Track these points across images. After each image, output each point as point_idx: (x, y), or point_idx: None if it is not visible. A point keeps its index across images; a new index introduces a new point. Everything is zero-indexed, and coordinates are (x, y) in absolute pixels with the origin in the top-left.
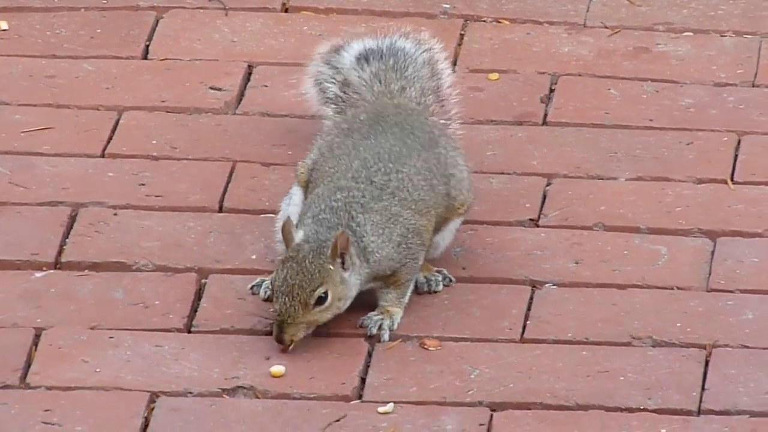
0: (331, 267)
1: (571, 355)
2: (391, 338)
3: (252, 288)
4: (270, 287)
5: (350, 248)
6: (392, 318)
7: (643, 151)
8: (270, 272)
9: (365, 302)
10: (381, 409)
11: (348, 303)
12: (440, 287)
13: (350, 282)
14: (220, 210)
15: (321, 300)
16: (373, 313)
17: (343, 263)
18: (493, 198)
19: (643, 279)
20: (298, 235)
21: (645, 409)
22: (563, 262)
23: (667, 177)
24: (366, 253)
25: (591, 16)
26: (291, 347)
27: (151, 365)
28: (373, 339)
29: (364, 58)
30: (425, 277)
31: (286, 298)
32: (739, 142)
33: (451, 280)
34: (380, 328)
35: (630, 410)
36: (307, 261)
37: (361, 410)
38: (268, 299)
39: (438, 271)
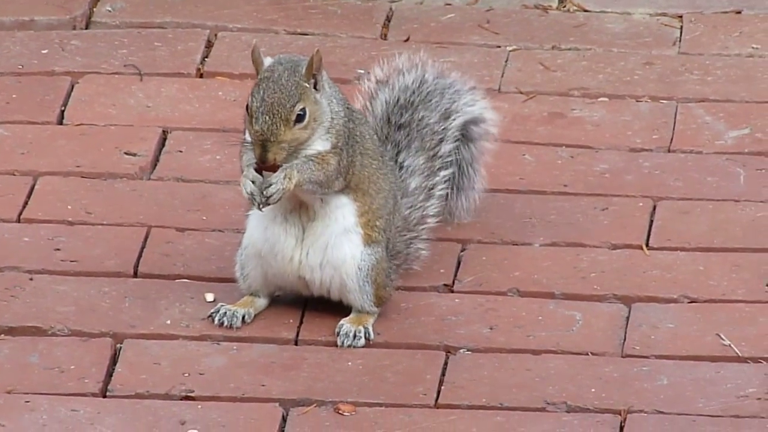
0: (307, 85)
1: (485, 421)
2: (305, 403)
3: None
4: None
5: (323, 72)
6: (365, 325)
7: (558, 216)
8: (185, 338)
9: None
10: None
11: (318, 132)
12: (361, 342)
13: (322, 104)
14: (135, 275)
15: (300, 117)
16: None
17: (315, 84)
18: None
19: (558, 344)
20: (267, 60)
21: None
22: (477, 328)
23: (582, 242)
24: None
25: (506, 81)
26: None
27: (67, 429)
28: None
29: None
30: (354, 329)
31: (267, 117)
32: (654, 208)
33: (369, 339)
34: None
35: None
36: (283, 79)
37: None
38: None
39: (365, 327)
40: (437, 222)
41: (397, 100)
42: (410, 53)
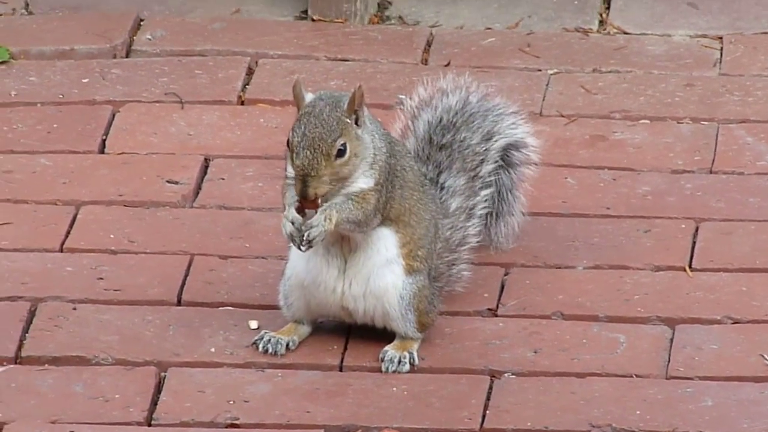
0: (348, 120)
1: None
2: (350, 429)
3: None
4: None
5: (364, 108)
6: (410, 351)
7: (601, 239)
8: (230, 365)
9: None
10: None
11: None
12: (406, 368)
13: (365, 140)
14: (179, 303)
15: (341, 152)
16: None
17: (357, 120)
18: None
19: (602, 367)
20: (308, 96)
21: None
22: (522, 352)
23: (625, 265)
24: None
25: (547, 105)
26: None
27: None
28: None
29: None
30: (399, 355)
31: (308, 152)
32: (696, 229)
33: (414, 364)
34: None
35: None
36: (324, 114)
37: None
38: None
39: (409, 352)
40: (478, 242)
41: (440, 120)
42: (454, 75)
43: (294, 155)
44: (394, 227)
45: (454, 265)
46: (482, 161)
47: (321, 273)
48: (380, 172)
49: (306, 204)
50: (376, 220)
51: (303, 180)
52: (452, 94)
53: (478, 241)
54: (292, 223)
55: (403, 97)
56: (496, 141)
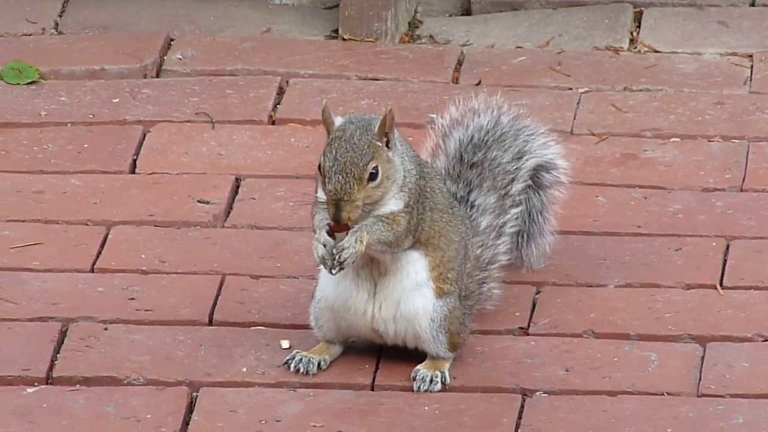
0: (379, 144)
1: None
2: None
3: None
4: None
5: (395, 130)
6: (442, 370)
7: (632, 257)
8: (261, 385)
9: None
10: None
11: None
12: (438, 387)
13: (395, 162)
14: (210, 323)
15: (373, 176)
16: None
17: (387, 142)
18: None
19: (634, 385)
20: (338, 120)
21: None
22: (553, 370)
23: (657, 283)
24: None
25: (578, 124)
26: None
27: None
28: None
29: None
30: (431, 374)
31: (340, 176)
32: (727, 247)
33: (446, 383)
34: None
35: None
36: (355, 138)
37: None
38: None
39: (441, 371)
40: (508, 260)
41: (471, 138)
42: (486, 95)
43: (326, 180)
44: (423, 250)
45: (484, 283)
46: (513, 180)
47: (351, 296)
48: (410, 194)
49: (337, 228)
50: (408, 242)
51: (336, 204)
52: (484, 113)
53: (508, 260)
54: (324, 246)
55: (435, 116)
56: (527, 160)
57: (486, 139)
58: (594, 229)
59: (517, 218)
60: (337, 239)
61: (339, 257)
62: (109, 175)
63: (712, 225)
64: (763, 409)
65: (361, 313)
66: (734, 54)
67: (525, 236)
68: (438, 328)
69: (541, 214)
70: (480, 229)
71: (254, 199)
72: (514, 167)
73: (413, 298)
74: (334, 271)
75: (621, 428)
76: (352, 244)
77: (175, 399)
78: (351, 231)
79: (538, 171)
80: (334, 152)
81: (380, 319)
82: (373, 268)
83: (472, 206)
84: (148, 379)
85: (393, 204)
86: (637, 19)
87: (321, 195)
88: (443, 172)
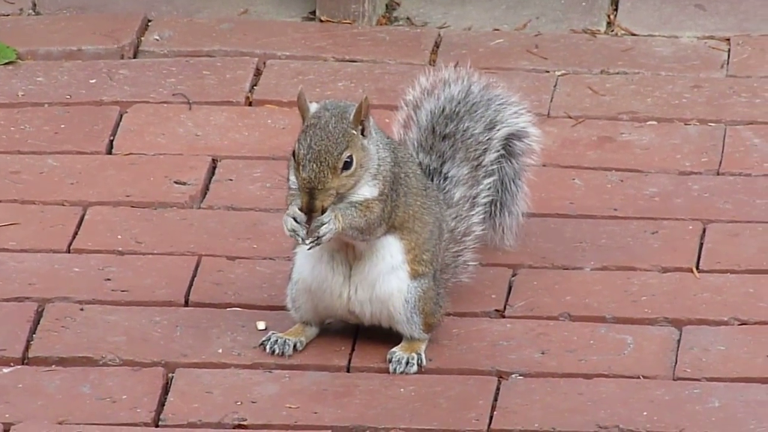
0: (354, 132)
1: None
2: (357, 430)
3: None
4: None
5: (370, 117)
6: (418, 352)
7: (608, 240)
8: (237, 366)
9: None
10: None
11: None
12: (414, 369)
13: (370, 150)
14: (186, 304)
15: (347, 164)
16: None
17: (363, 130)
18: (459, 289)
19: (610, 368)
20: (313, 106)
21: None
22: (529, 353)
23: (633, 266)
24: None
25: (555, 106)
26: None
27: None
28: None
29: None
30: (407, 356)
31: (314, 165)
32: (704, 231)
33: (422, 365)
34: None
35: None
36: (330, 126)
37: None
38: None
39: (417, 353)
40: (483, 230)
41: (443, 110)
42: (456, 66)
43: (300, 168)
44: (398, 234)
45: (459, 256)
46: (485, 150)
47: (327, 279)
48: (384, 182)
49: (310, 216)
50: (381, 230)
51: (309, 192)
52: (454, 84)
53: (483, 230)
54: (295, 219)
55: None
56: (498, 130)
57: (458, 110)
58: (570, 212)
59: (490, 188)
60: (313, 216)
61: (318, 232)
62: (86, 155)
63: (689, 208)
64: (738, 393)
65: (337, 296)
66: (711, 37)
67: (498, 205)
68: (412, 309)
69: (514, 182)
70: (454, 201)
71: (231, 180)
72: (486, 138)
73: (388, 280)
74: (308, 245)
75: (596, 411)
76: (332, 219)
77: (151, 380)
78: (330, 209)
79: (510, 140)
80: (308, 140)
81: (356, 301)
82: (348, 251)
83: (446, 178)
84: (123, 359)
85: (367, 191)
86: (615, 2)
87: (293, 181)
88: (416, 144)
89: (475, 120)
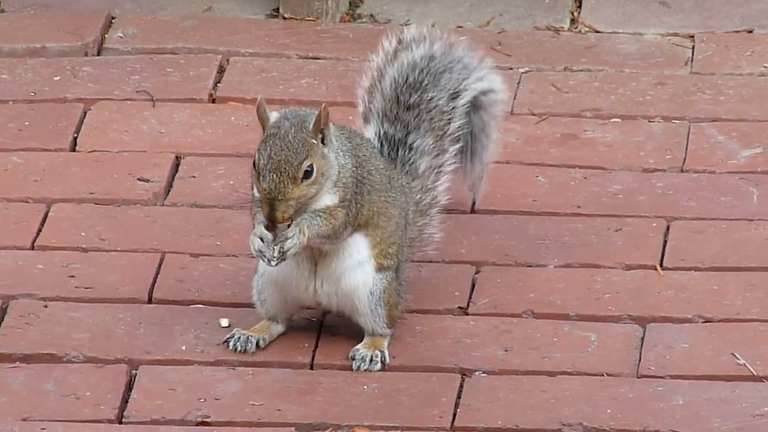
0: (314, 141)
1: None
2: (321, 428)
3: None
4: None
5: (330, 125)
6: (381, 349)
7: (572, 237)
8: (200, 363)
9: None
10: None
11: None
12: (377, 367)
13: (330, 158)
14: (150, 301)
15: (307, 174)
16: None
17: (323, 139)
18: (422, 286)
19: (573, 366)
20: (273, 115)
21: None
22: (493, 350)
23: (596, 263)
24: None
25: (518, 103)
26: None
27: None
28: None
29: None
30: (370, 354)
31: (274, 175)
32: (668, 228)
33: (385, 362)
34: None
35: None
36: (290, 135)
37: None
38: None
39: (380, 350)
40: (448, 199)
41: (406, 78)
42: (419, 26)
43: (261, 178)
44: (364, 231)
45: (424, 229)
46: (450, 120)
47: (292, 273)
48: (345, 188)
49: (273, 227)
50: (347, 233)
51: (270, 203)
52: (416, 48)
53: (448, 199)
54: (261, 240)
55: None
56: (462, 98)
57: (421, 79)
58: (534, 209)
59: (456, 155)
60: (278, 231)
61: (282, 247)
62: (50, 152)
63: (653, 206)
64: (702, 390)
65: (303, 289)
66: (675, 35)
67: (468, 153)
68: (377, 302)
69: (483, 131)
70: (419, 172)
71: (194, 177)
72: (451, 107)
73: (354, 274)
74: (273, 263)
75: (560, 408)
76: (296, 234)
77: (115, 377)
78: (294, 223)
79: (475, 98)
80: (268, 150)
81: (323, 293)
82: (314, 249)
83: (410, 149)
84: (87, 356)
85: (328, 199)
86: None
87: (257, 193)
88: (380, 114)
89: (439, 89)
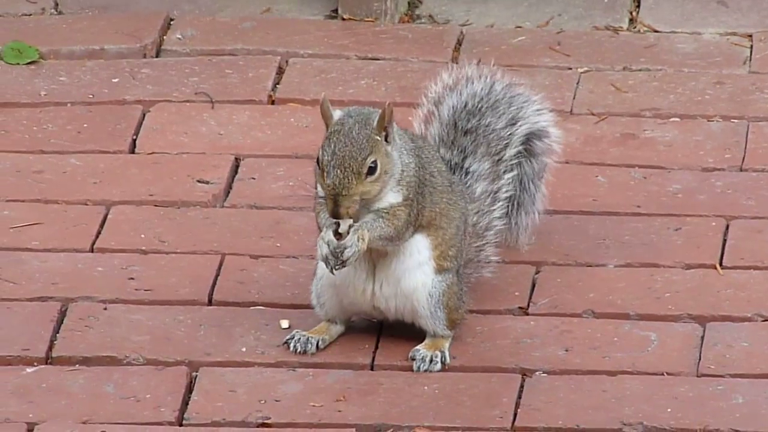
0: (378, 138)
1: None
2: (381, 429)
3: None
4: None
5: (393, 124)
6: (441, 350)
7: (632, 237)
8: (261, 365)
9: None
10: None
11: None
12: (437, 367)
13: (393, 156)
14: (210, 303)
15: (371, 170)
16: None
17: (386, 136)
18: (482, 287)
19: (633, 365)
20: (336, 113)
21: None
22: (553, 350)
23: (656, 263)
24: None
25: (578, 104)
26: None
27: None
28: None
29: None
30: (430, 354)
31: (338, 171)
32: (727, 227)
33: (445, 363)
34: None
35: None
36: (354, 132)
37: None
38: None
39: (441, 351)
40: (504, 224)
41: (465, 105)
42: (479, 64)
43: (324, 174)
44: (425, 232)
45: (482, 251)
46: (506, 145)
47: (350, 275)
48: (408, 187)
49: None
50: (409, 233)
51: (334, 199)
52: (477, 80)
53: (504, 224)
54: (328, 245)
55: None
56: (520, 126)
57: (480, 105)
58: (594, 209)
59: (510, 183)
60: (341, 239)
61: (341, 255)
62: (109, 154)
63: (712, 205)
64: (762, 389)
65: (361, 291)
66: (734, 34)
67: (515, 204)
68: (436, 304)
69: (532, 182)
70: (475, 195)
71: (254, 178)
72: (508, 133)
73: (414, 275)
74: (335, 272)
75: (620, 408)
76: (355, 242)
77: (175, 379)
78: (353, 229)
79: (530, 138)
80: (332, 146)
81: (381, 297)
82: (373, 251)
83: (467, 173)
84: (147, 359)
85: (392, 197)
86: None
87: (321, 190)
88: (437, 139)
89: (497, 116)
